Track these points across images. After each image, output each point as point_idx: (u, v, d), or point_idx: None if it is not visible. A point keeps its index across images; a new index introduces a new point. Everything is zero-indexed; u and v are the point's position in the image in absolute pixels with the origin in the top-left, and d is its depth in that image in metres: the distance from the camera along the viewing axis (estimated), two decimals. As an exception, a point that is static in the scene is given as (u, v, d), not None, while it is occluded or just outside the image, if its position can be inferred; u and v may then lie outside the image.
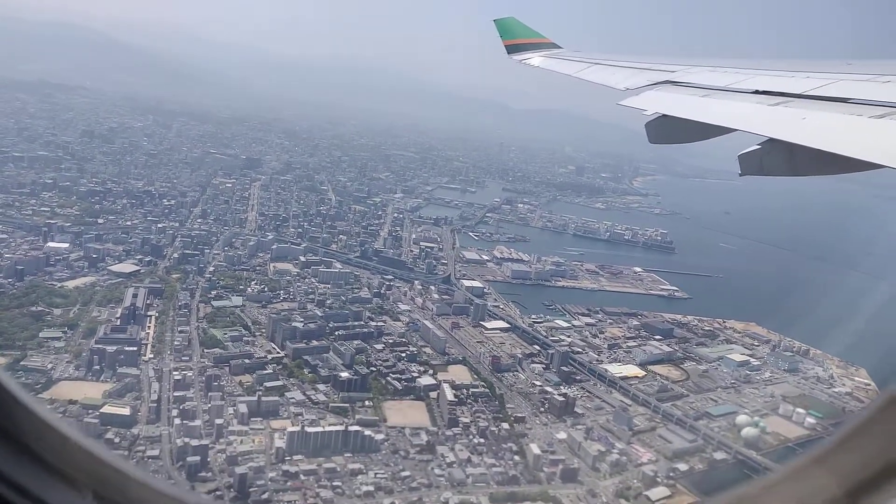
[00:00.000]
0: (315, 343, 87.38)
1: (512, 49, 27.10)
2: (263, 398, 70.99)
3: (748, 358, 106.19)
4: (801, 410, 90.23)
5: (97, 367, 72.24)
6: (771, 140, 9.96)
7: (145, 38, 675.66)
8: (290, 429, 65.28)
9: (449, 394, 77.85)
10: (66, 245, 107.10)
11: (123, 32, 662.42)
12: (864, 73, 11.39)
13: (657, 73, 16.65)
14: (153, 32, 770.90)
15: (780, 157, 9.92)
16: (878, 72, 11.12)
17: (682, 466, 72.43)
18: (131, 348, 75.80)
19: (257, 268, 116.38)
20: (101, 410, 63.51)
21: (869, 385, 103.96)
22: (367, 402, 75.98)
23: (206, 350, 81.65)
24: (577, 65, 21.46)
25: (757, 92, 12.41)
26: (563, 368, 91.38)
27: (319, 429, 66.38)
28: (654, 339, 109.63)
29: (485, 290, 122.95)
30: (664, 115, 13.45)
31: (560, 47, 26.52)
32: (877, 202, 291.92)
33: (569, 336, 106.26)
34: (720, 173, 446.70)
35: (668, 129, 13.53)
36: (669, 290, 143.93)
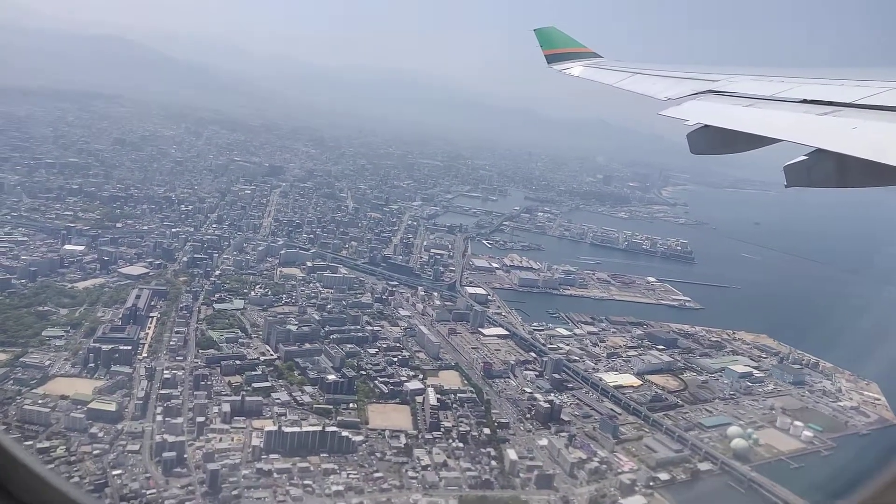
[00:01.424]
0: (308, 346, 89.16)
1: (552, 59, 27.13)
2: (248, 398, 72.90)
3: (751, 370, 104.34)
4: (798, 423, 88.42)
5: (92, 364, 75.17)
6: (819, 150, 9.69)
7: (187, 51, 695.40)
8: (269, 428, 66.87)
9: (433, 398, 78.65)
10: (82, 248, 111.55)
11: (167, 45, 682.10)
12: None
13: (699, 83, 16.42)
14: (196, 45, 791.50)
15: (828, 168, 9.64)
16: None
17: (664, 476, 71.75)
18: (127, 347, 78.59)
19: (264, 272, 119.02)
20: (88, 406, 66.17)
21: (879, 400, 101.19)
22: (351, 405, 77.25)
23: (200, 351, 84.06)
24: (618, 74, 21.39)
25: (804, 101, 12.10)
26: (556, 376, 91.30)
27: (297, 429, 67.92)
28: (656, 349, 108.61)
29: (488, 298, 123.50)
30: (706, 126, 13.26)
31: (600, 57, 26.49)
32: None
33: (568, 344, 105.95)
34: (758, 184, 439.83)
35: (710, 140, 13.33)
36: (681, 300, 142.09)
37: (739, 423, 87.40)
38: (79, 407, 66.11)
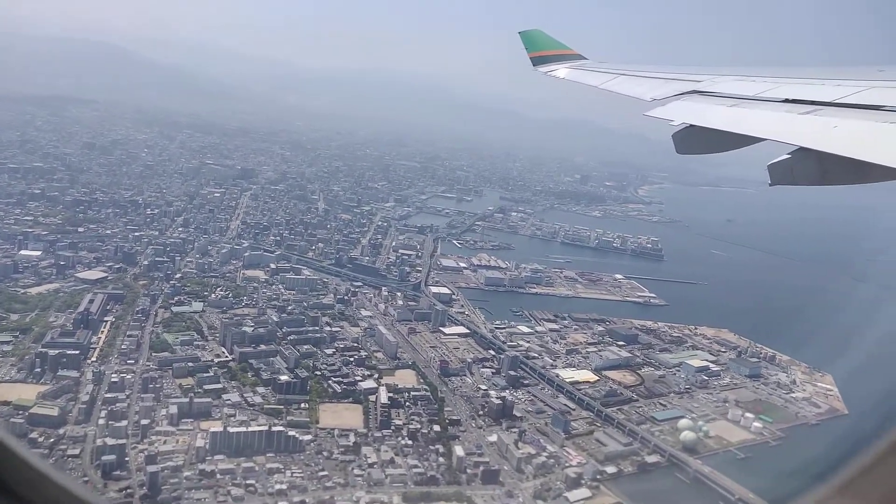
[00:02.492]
0: (263, 347, 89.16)
1: (538, 61, 27.17)
2: (196, 400, 72.86)
3: (708, 364, 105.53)
4: (749, 415, 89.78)
5: (38, 370, 74.69)
6: (802, 149, 9.89)
7: (170, 55, 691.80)
8: (214, 429, 66.92)
9: (384, 397, 79.03)
10: (39, 253, 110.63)
11: (148, 49, 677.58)
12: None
13: (684, 84, 16.56)
14: (179, 49, 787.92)
15: (810, 167, 9.83)
16: None
17: (611, 469, 72.57)
18: (75, 352, 78.18)
19: (227, 275, 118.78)
20: (30, 411, 65.82)
21: (831, 391, 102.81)
22: (303, 405, 77.38)
23: (154, 354, 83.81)
24: (603, 76, 21.50)
25: (787, 101, 12.29)
26: (512, 373, 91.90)
27: (243, 429, 68.00)
28: (616, 346, 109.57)
29: (453, 297, 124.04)
30: (691, 126, 13.42)
31: (586, 58, 26.60)
32: None
33: (528, 341, 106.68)
34: (735, 182, 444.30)
35: (695, 140, 13.46)
36: (646, 297, 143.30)
37: (692, 415, 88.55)
38: (20, 412, 65.71)
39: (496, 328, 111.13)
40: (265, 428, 68.59)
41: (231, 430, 67.27)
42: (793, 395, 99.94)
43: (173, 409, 70.38)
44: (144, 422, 67.44)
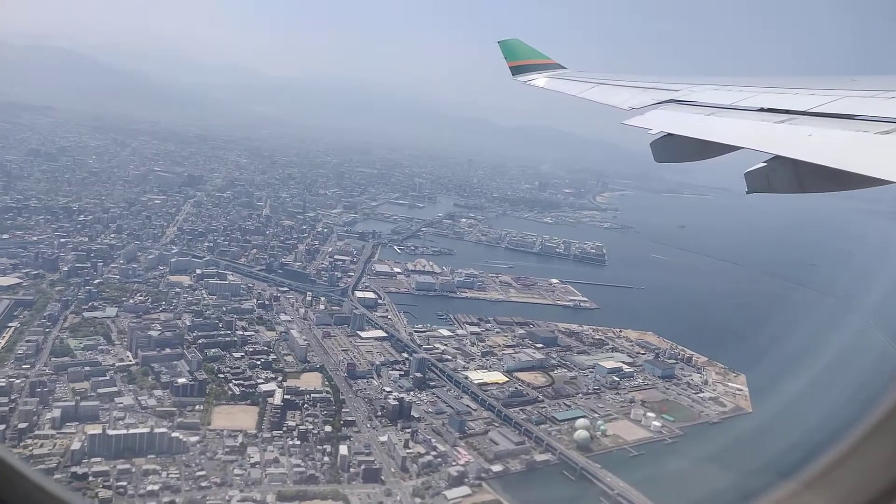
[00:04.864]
0: (168, 351, 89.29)
1: (517, 70, 27.32)
2: (84, 403, 72.94)
3: (621, 365, 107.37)
4: (651, 414, 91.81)
5: (-77, 375, 74.31)
6: (777, 157, 9.99)
7: (137, 62, 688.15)
8: (92, 431, 67.02)
9: (278, 398, 79.64)
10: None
11: (114, 57, 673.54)
12: (868, 89, 11.47)
13: (661, 93, 16.70)
14: (147, 57, 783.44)
15: (786, 174, 9.90)
16: (883, 88, 11.17)
17: (497, 468, 73.79)
18: (-35, 356, 77.84)
19: (151, 280, 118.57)
20: None
21: (741, 390, 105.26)
22: (198, 407, 77.79)
23: (53, 358, 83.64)
24: (582, 85, 21.72)
25: (762, 109, 12.44)
26: (418, 375, 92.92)
27: (124, 431, 68.12)
28: (534, 348, 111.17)
29: (378, 301, 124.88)
30: (669, 134, 13.57)
31: (565, 68, 26.78)
32: (867, 218, 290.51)
33: (445, 344, 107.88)
34: (698, 189, 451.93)
35: (673, 148, 13.59)
36: (577, 300, 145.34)
37: (594, 415, 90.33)
38: None
39: (416, 332, 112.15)
40: (147, 430, 68.73)
41: (111, 432, 67.31)
42: (701, 395, 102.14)
43: (56, 413, 70.31)
44: (22, 425, 67.34)
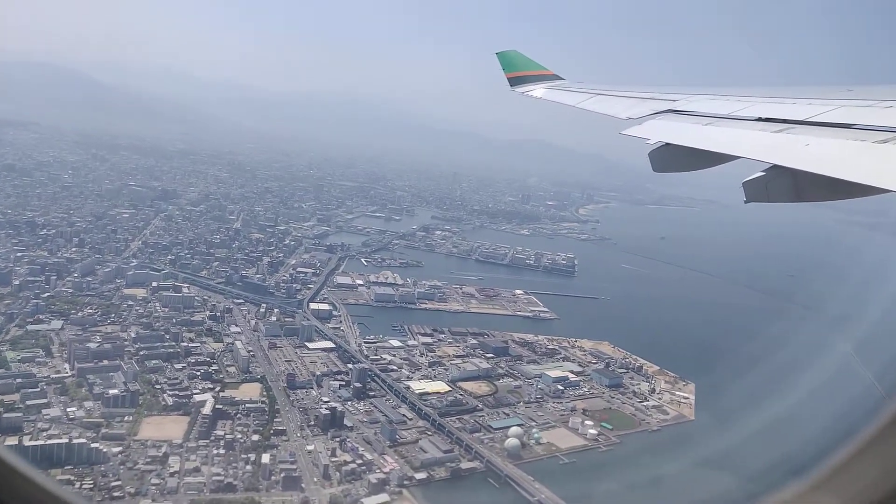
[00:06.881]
0: (106, 363, 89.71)
1: (515, 81, 27.49)
2: (7, 415, 73.23)
3: (567, 374, 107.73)
4: (589, 422, 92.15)
5: None
6: (775, 167, 10.05)
7: (128, 78, 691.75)
8: (8, 442, 67.27)
9: (208, 408, 80.00)
10: None
11: (105, 73, 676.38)
12: (865, 98, 11.56)
13: (659, 103, 16.75)
14: (138, 72, 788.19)
15: (784, 184, 9.97)
16: (880, 97, 11.19)
17: (421, 475, 74.06)
18: None
19: (105, 293, 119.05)
20: None
21: (687, 399, 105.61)
22: (127, 418, 78.10)
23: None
24: (579, 95, 21.86)
25: (760, 119, 12.49)
26: (358, 385, 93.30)
27: (41, 442, 68.39)
28: (485, 357, 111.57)
29: (333, 313, 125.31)
30: (667, 144, 13.70)
31: (562, 79, 26.94)
32: (863, 231, 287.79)
33: (394, 355, 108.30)
34: (684, 200, 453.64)
35: (670, 158, 13.70)
36: (537, 311, 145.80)
37: (532, 424, 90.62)
38: None
39: (365, 343, 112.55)
40: (65, 441, 69.01)
41: (27, 443, 67.60)
42: (645, 403, 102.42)
43: (-24, 425, 70.66)
44: (-63, 437, 67.67)
